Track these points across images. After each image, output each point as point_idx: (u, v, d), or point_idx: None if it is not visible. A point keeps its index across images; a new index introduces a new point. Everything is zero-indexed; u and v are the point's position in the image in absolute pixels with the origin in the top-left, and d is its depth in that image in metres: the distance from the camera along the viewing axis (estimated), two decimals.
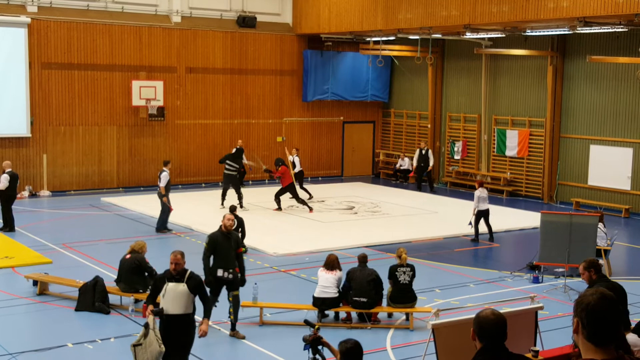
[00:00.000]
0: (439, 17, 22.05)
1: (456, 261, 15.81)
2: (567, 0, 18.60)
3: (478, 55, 25.04)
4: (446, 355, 7.58)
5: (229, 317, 10.81)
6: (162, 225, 18.04)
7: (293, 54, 27.68)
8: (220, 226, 10.84)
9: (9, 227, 17.60)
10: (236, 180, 21.18)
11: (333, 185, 26.69)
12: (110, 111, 24.37)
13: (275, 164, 21.37)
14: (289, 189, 20.74)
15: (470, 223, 17.68)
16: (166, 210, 17.94)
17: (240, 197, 20.69)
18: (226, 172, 21.06)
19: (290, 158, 23.11)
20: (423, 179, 25.85)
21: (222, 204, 20.72)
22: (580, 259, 13.69)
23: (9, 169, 17.83)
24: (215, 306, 10.23)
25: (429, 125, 27.68)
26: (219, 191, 21.49)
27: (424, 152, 25.67)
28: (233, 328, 10.84)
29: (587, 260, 8.09)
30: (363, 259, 11.67)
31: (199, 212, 20.19)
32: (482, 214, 17.54)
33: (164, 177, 17.87)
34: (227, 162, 21.14)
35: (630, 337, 6.25)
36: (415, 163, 25.97)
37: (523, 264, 15.16)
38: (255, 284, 11.69)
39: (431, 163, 25.69)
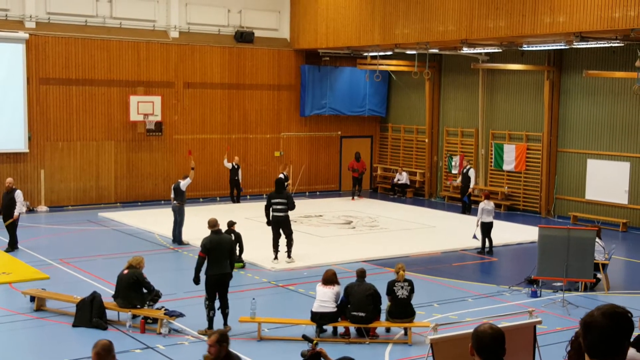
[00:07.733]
0: (436, 33, 22.14)
1: (454, 275, 15.78)
2: (563, 15, 18.70)
3: (475, 70, 25.12)
4: None
5: None
6: (180, 236, 18.30)
7: (291, 69, 27.74)
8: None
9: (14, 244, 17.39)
10: (288, 222, 16.15)
11: (331, 199, 26.69)
12: (108, 126, 24.38)
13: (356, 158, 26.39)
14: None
15: (474, 236, 17.68)
16: (180, 222, 18.22)
17: (289, 244, 16.17)
18: (277, 214, 15.96)
19: (229, 165, 24.70)
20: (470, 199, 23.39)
21: (276, 257, 16.30)
22: (578, 273, 13.80)
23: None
24: None
25: (427, 140, 27.73)
26: (216, 206, 21.27)
27: (464, 170, 23.72)
28: None
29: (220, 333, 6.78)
30: (361, 274, 11.65)
31: (197, 227, 20.11)
32: (485, 227, 17.54)
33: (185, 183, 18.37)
34: (274, 201, 16.00)
35: (630, 353, 6.23)
36: (461, 184, 24.05)
37: (521, 278, 15.13)
38: (253, 299, 11.66)
39: (472, 184, 23.46)
